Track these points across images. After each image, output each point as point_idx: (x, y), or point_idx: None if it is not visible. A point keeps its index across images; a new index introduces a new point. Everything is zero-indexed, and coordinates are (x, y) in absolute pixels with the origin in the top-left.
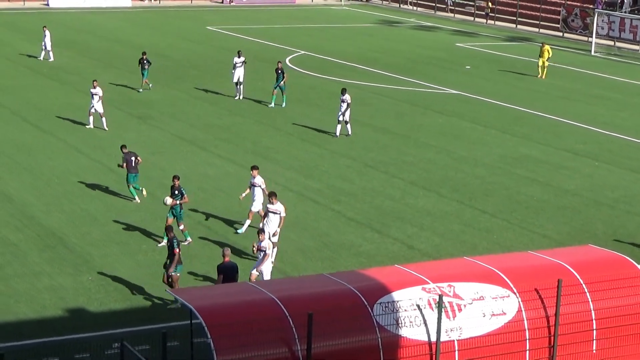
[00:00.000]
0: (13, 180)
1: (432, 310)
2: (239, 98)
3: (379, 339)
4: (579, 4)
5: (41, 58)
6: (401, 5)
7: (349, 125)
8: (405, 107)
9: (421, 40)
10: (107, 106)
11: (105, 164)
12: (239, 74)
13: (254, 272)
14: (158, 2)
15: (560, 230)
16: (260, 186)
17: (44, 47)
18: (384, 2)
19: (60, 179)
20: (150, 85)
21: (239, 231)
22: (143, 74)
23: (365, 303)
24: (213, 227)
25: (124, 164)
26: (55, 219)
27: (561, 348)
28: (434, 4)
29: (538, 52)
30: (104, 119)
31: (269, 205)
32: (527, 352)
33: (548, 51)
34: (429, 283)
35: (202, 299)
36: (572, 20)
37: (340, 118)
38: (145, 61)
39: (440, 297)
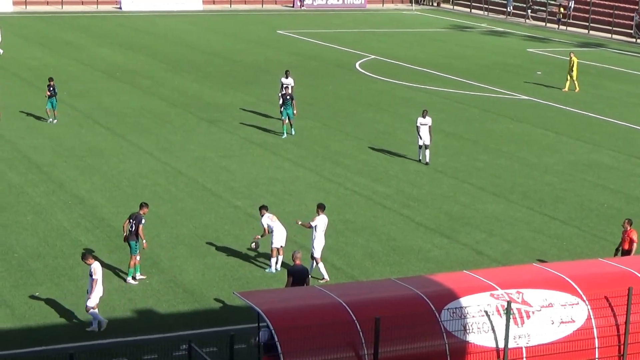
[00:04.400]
0: (85, 182)
1: (500, 316)
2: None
3: (447, 345)
4: None
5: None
6: (472, 11)
7: (428, 151)
8: (476, 112)
9: (492, 45)
10: (177, 109)
11: (175, 167)
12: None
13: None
14: (229, 6)
15: None
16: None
17: None
18: (454, 7)
19: (131, 182)
20: (55, 120)
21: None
22: (51, 103)
23: (433, 308)
24: None
25: None
26: None
27: (631, 357)
28: (505, 9)
29: (611, 58)
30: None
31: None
32: None
33: (574, 62)
34: (497, 289)
35: (270, 302)
36: None
37: (420, 142)
38: (52, 89)
39: (509, 303)
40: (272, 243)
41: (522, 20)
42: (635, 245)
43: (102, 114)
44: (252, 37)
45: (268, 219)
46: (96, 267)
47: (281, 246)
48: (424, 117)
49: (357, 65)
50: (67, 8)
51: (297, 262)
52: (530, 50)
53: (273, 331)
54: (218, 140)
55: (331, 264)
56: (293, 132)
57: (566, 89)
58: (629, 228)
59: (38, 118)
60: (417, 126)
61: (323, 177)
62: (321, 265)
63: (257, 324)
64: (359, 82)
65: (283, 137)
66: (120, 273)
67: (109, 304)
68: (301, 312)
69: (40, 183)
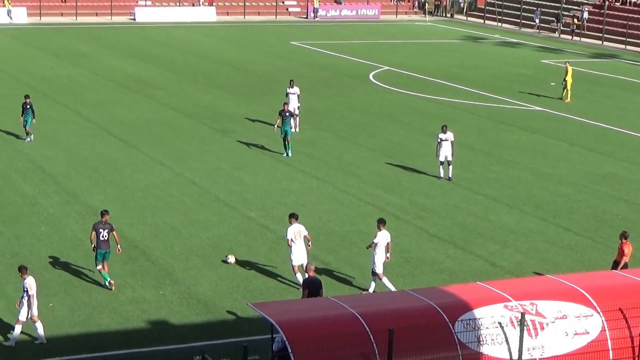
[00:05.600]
0: (98, 194)
1: (514, 328)
2: (295, 129)
3: (460, 356)
4: None
5: None
6: (485, 22)
7: (451, 168)
8: (489, 123)
9: (506, 56)
10: (191, 120)
11: (188, 178)
12: (293, 105)
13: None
14: (242, 17)
15: None
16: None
17: None
18: (468, 18)
19: (144, 192)
20: (31, 137)
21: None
22: (27, 121)
23: (447, 320)
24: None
25: None
26: (139, 232)
27: None
28: (518, 20)
29: (624, 69)
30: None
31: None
32: None
33: (567, 71)
34: (511, 301)
35: (284, 313)
36: None
37: (442, 158)
38: (28, 106)
39: (523, 315)
40: (291, 261)
41: (537, 31)
42: (625, 258)
43: (115, 125)
44: (266, 48)
45: (292, 233)
46: (31, 283)
47: (302, 264)
48: (444, 132)
49: (370, 76)
50: (81, 19)
51: (311, 273)
52: (543, 61)
53: (286, 342)
54: (231, 150)
55: (345, 276)
56: (290, 154)
57: (568, 99)
58: (623, 241)
59: (52, 129)
60: (438, 141)
61: (336, 188)
62: (385, 279)
63: (270, 335)
64: (373, 93)
65: (284, 155)
66: (133, 284)
67: (123, 314)
68: (315, 323)
69: (54, 194)
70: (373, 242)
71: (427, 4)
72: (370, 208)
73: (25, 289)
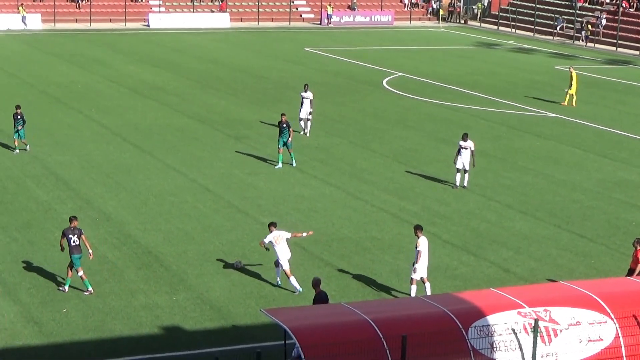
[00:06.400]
0: (112, 199)
1: (528, 334)
2: (307, 134)
3: None
4: None
5: None
6: (499, 28)
7: (467, 176)
8: (502, 129)
9: (519, 62)
10: (204, 126)
11: (202, 184)
12: (306, 109)
13: None
14: (256, 23)
15: None
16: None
17: None
18: (482, 24)
19: (158, 198)
20: (27, 147)
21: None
22: (19, 133)
23: (460, 326)
24: (308, 248)
25: None
26: (152, 238)
27: None
28: (532, 27)
29: (637, 75)
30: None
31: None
32: None
33: (572, 77)
34: (524, 307)
35: (297, 319)
36: None
37: (459, 166)
38: (19, 117)
39: (536, 321)
40: (281, 266)
41: (550, 37)
42: (639, 265)
43: (129, 131)
44: (280, 54)
45: (272, 238)
46: None
47: (288, 268)
48: (464, 140)
49: (384, 82)
50: (95, 25)
51: (318, 289)
52: (557, 67)
53: (300, 348)
54: (245, 157)
55: (358, 282)
56: (294, 163)
57: (565, 103)
58: (637, 247)
59: (66, 135)
60: (458, 149)
61: (349, 195)
62: (414, 286)
63: (283, 341)
64: (386, 99)
65: (277, 167)
66: (146, 290)
67: (136, 320)
68: (328, 330)
69: (67, 200)
70: (420, 252)
71: (440, 10)
72: (384, 214)
73: None
